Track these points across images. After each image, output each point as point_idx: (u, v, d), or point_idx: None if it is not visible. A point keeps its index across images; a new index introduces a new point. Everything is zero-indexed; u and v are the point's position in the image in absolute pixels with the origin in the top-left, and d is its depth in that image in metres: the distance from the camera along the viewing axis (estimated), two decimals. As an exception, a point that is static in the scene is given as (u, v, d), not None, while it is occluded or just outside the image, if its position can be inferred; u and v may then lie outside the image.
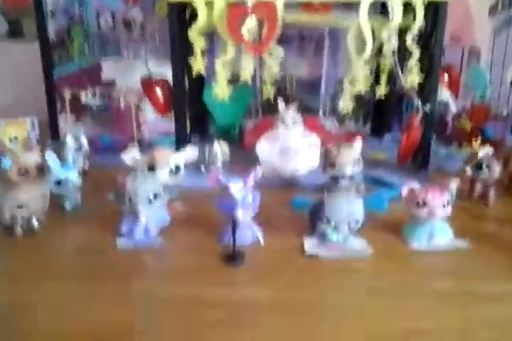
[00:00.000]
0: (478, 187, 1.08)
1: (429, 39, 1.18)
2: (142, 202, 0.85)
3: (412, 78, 1.18)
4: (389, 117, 1.53)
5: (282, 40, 1.22)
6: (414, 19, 1.14)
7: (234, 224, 0.83)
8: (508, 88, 1.51)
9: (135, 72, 1.47)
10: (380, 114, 1.54)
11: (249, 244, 0.87)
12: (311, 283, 0.77)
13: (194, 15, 1.14)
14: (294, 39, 1.51)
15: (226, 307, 0.70)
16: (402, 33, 1.19)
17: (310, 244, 0.87)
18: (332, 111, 1.56)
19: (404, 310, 0.70)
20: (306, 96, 1.57)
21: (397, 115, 1.51)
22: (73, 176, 1.01)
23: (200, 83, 1.42)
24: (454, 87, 1.46)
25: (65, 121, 1.45)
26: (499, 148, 1.31)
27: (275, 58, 1.24)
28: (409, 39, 1.15)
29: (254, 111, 1.54)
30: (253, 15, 1.10)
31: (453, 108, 1.43)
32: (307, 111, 1.48)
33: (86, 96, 1.39)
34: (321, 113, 1.58)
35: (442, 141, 1.40)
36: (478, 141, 1.10)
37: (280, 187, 1.14)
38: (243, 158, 1.23)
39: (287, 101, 1.21)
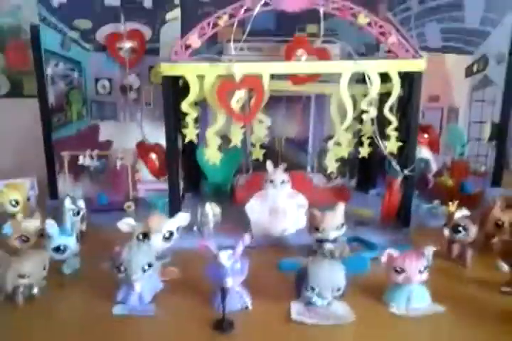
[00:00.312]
0: (456, 247, 1.13)
1: (407, 106, 1.26)
2: (136, 272, 0.90)
3: (390, 145, 1.26)
4: (373, 173, 1.60)
5: (270, 102, 1.30)
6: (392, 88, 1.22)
7: (223, 292, 0.88)
8: (485, 145, 1.59)
9: (131, 134, 1.55)
10: (364, 170, 1.62)
11: (239, 310, 0.92)
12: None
13: (187, 85, 1.22)
14: (282, 100, 1.59)
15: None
16: (382, 99, 1.27)
17: (296, 309, 0.92)
18: (319, 167, 1.64)
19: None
20: (295, 154, 1.65)
21: (382, 172, 1.58)
22: (72, 243, 1.06)
23: (193, 145, 1.49)
24: (434, 145, 1.53)
25: (64, 182, 1.51)
26: (479, 203, 1.38)
27: (263, 125, 1.32)
28: (387, 109, 1.23)
29: (245, 168, 1.61)
30: (242, 88, 1.19)
31: (434, 166, 1.51)
32: (296, 168, 1.56)
33: (84, 158, 1.46)
34: (309, 169, 1.66)
35: (424, 197, 1.47)
36: (455, 204, 1.15)
37: (269, 248, 1.19)
38: (235, 213, 1.29)
39: (276, 160, 1.28)
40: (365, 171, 1.63)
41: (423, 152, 1.47)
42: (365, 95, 1.24)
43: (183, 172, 1.46)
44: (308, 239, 1.15)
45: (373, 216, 1.37)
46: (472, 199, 1.40)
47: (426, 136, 1.49)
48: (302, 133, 1.65)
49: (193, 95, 1.20)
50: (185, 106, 1.21)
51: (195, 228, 1.27)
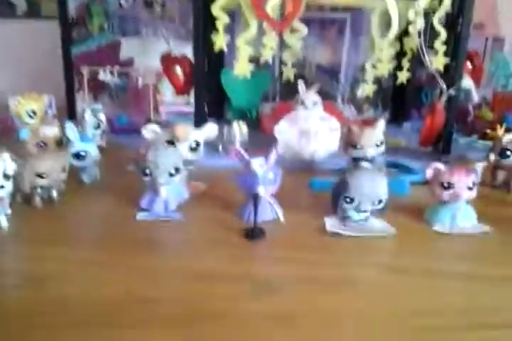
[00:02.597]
0: (501, 174, 1.06)
1: (456, 22, 1.16)
2: (163, 176, 0.84)
3: (437, 60, 1.16)
4: (408, 106, 1.52)
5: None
6: (442, 2, 1.12)
7: (255, 201, 0.82)
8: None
9: (154, 51, 1.46)
10: (399, 102, 1.53)
11: (270, 221, 0.86)
12: (332, 261, 0.76)
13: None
14: (315, 24, 1.49)
15: (248, 282, 0.69)
16: (428, 15, 1.17)
17: (331, 223, 0.86)
18: (351, 99, 1.55)
19: (424, 290, 0.69)
20: (326, 83, 1.56)
21: (417, 104, 1.50)
22: (92, 149, 1.00)
23: (218, 66, 1.40)
24: (477, 75, 1.44)
25: (83, 100, 1.44)
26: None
27: (298, 37, 1.22)
28: (436, 20, 1.13)
29: (272, 96, 1.53)
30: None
31: (475, 97, 1.42)
32: (326, 97, 1.47)
33: (104, 74, 1.38)
34: (339, 100, 1.57)
35: (463, 130, 1.39)
36: (503, 128, 1.07)
37: (299, 171, 1.13)
38: (261, 142, 1.21)
39: (307, 85, 1.19)
40: (399, 103, 1.54)
41: (464, 81, 1.37)
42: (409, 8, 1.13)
43: (208, 96, 1.38)
44: (341, 164, 1.09)
45: (408, 146, 1.30)
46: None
47: (469, 63, 1.39)
48: (334, 61, 1.55)
49: (224, -2, 1.11)
50: (215, 9, 1.12)
51: (220, 148, 1.21)
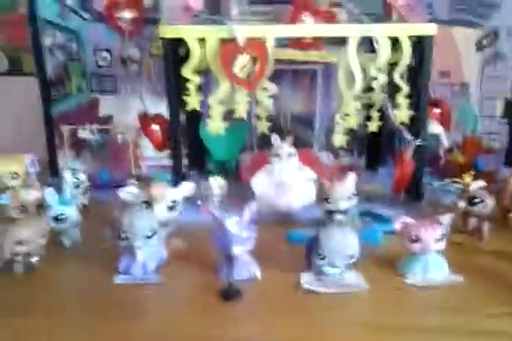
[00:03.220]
0: (472, 221, 1.09)
1: (417, 73, 1.21)
2: (139, 239, 0.86)
3: (401, 113, 1.22)
4: (383, 151, 1.56)
5: (276, 76, 1.26)
6: (402, 55, 1.18)
7: (230, 260, 0.84)
8: (498, 122, 1.54)
9: (132, 108, 1.50)
10: (374, 147, 1.57)
11: (246, 279, 0.87)
12: (308, 319, 0.77)
13: (189, 54, 1.18)
14: (287, 75, 1.54)
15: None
16: (391, 68, 1.22)
17: (306, 279, 0.88)
18: (327, 146, 1.59)
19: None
20: (301, 132, 1.61)
21: (391, 149, 1.54)
22: (72, 212, 1.02)
23: (197, 119, 1.44)
24: (445, 121, 1.48)
25: (64, 158, 1.47)
26: (492, 181, 1.33)
27: (268, 95, 1.27)
28: (397, 75, 1.19)
29: (250, 146, 1.56)
30: (245, 53, 1.14)
31: (445, 142, 1.46)
32: (302, 145, 1.51)
33: (84, 131, 1.41)
34: (316, 147, 1.61)
35: (435, 174, 1.43)
36: (471, 175, 1.11)
37: (276, 223, 1.15)
38: (240, 192, 1.24)
39: (282, 135, 1.23)
40: (374, 149, 1.58)
41: (434, 127, 1.42)
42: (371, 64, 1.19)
43: (187, 150, 1.42)
44: (317, 214, 1.11)
45: (383, 192, 1.33)
46: (485, 177, 1.35)
47: (437, 110, 1.44)
48: (309, 109, 1.60)
49: (194, 60, 1.16)
50: (186, 71, 1.16)
51: (199, 202, 1.23)
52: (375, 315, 0.79)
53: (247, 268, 0.88)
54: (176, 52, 1.22)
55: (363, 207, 1.16)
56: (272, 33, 1.15)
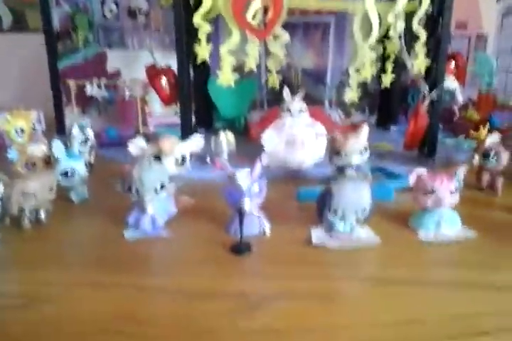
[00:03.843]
0: (486, 176, 1.07)
1: (436, 22, 1.16)
2: (149, 192, 0.85)
3: (419, 62, 1.17)
4: (395, 109, 1.53)
5: (287, 29, 1.22)
6: (421, 3, 1.13)
7: (240, 214, 0.83)
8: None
9: (140, 62, 1.46)
10: (385, 105, 1.54)
11: (256, 234, 0.87)
12: (319, 273, 0.77)
13: (199, 3, 1.13)
14: (299, 28, 1.50)
15: (234, 298, 0.69)
16: (409, 17, 1.17)
17: (317, 235, 0.87)
18: (338, 102, 1.56)
19: (412, 298, 0.70)
20: (312, 87, 1.57)
21: (403, 107, 1.51)
22: (80, 168, 1.01)
23: (205, 75, 1.41)
24: (460, 75, 1.45)
25: (71, 114, 1.45)
26: (507, 137, 1.30)
27: (280, 44, 1.23)
28: (416, 22, 1.14)
29: (259, 103, 1.53)
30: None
31: (459, 97, 1.43)
32: (313, 102, 1.48)
33: (91, 88, 1.39)
34: (326, 104, 1.58)
35: (449, 131, 1.40)
36: (486, 130, 1.08)
37: (286, 179, 1.14)
38: (249, 150, 1.22)
39: (293, 91, 1.20)
40: (385, 106, 1.54)
41: (449, 82, 1.38)
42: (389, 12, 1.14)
43: (195, 107, 1.39)
44: (329, 171, 1.09)
45: (395, 150, 1.31)
46: (501, 133, 1.32)
47: (453, 64, 1.40)
48: (320, 64, 1.56)
49: (205, 6, 1.11)
50: (197, 18, 1.12)
51: (208, 159, 1.22)
52: (386, 269, 0.78)
53: (257, 224, 0.87)
54: (186, 2, 1.17)
55: (375, 164, 1.14)
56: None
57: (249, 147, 1.24)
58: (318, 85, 1.57)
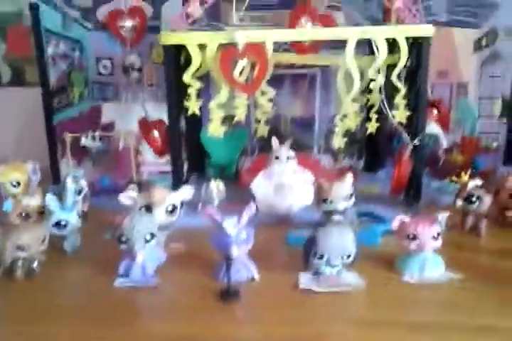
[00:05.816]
0: (470, 219, 1.10)
1: (415, 74, 1.22)
2: (139, 242, 0.87)
3: (399, 113, 1.22)
4: (381, 153, 1.56)
5: (275, 80, 1.27)
6: (399, 57, 1.19)
7: (228, 261, 0.85)
8: (496, 121, 1.55)
9: (133, 115, 1.52)
10: (372, 150, 1.58)
11: (245, 280, 0.88)
12: (306, 318, 0.78)
13: (189, 60, 1.19)
14: (287, 78, 1.56)
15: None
16: (390, 69, 1.23)
17: (304, 279, 0.88)
18: (326, 148, 1.60)
19: (398, 340, 0.71)
20: (301, 135, 1.62)
21: (390, 151, 1.54)
22: (73, 218, 1.03)
23: (197, 124, 1.46)
24: (444, 121, 1.49)
25: (67, 166, 1.48)
26: (490, 180, 1.33)
27: (267, 98, 1.28)
28: (395, 75, 1.20)
29: (251, 150, 1.58)
30: (244, 57, 1.15)
31: (444, 142, 1.47)
32: (302, 149, 1.53)
33: (86, 140, 1.43)
34: (315, 150, 1.62)
35: (434, 175, 1.43)
36: (467, 174, 1.12)
37: (275, 224, 1.16)
38: (240, 196, 1.25)
39: (282, 139, 1.24)
40: (373, 151, 1.59)
41: (432, 127, 1.43)
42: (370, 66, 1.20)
43: (187, 154, 1.43)
44: (316, 216, 1.12)
45: (382, 193, 1.34)
46: (484, 176, 1.36)
47: (435, 111, 1.45)
48: (308, 112, 1.62)
49: (195, 65, 1.17)
50: (187, 77, 1.18)
51: (199, 207, 1.24)
52: (372, 312, 0.80)
53: (245, 270, 0.89)
54: (176, 58, 1.24)
55: (362, 208, 1.17)
56: (270, 37, 1.16)
57: (239, 193, 1.27)
58: (307, 133, 1.62)
